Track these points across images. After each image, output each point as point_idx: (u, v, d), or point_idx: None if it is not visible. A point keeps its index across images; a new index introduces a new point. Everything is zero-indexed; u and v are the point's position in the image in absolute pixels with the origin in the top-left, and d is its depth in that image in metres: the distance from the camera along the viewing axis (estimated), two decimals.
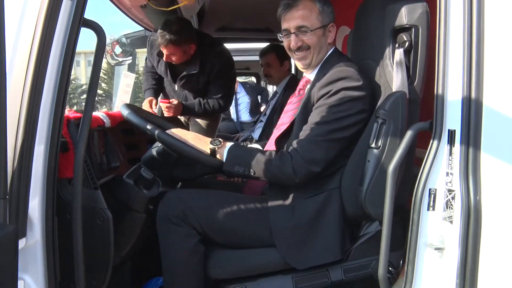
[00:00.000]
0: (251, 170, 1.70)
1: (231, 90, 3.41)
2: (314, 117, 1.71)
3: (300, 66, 1.94)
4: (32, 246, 1.39)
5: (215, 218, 1.73)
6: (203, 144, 1.77)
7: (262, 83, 7.65)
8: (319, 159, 1.68)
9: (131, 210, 1.83)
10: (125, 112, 1.81)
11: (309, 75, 1.93)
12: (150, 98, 3.27)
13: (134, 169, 1.88)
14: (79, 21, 1.38)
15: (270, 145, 1.98)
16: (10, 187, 1.25)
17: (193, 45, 3.01)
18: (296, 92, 2.02)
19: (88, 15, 1.42)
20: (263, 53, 3.77)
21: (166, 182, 1.89)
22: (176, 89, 3.33)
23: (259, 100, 6.92)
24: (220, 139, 1.79)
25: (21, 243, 1.32)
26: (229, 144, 1.76)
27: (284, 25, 1.87)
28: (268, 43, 3.88)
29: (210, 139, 1.79)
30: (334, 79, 1.69)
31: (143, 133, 1.87)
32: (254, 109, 6.53)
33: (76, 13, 1.36)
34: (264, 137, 3.34)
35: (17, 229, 1.26)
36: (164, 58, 3.00)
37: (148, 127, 1.74)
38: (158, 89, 3.45)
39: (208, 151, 1.75)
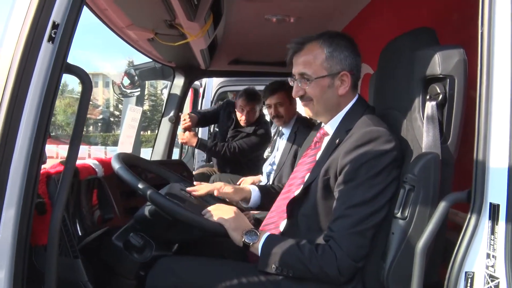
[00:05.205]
0: (289, 271, 1.48)
1: (249, 146, 3.82)
2: (349, 195, 1.45)
3: (307, 113, 1.72)
4: None
5: None
6: (239, 232, 1.56)
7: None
8: (366, 253, 1.45)
9: (119, 276, 1.62)
10: (116, 166, 1.61)
11: (327, 127, 1.70)
12: (195, 116, 3.78)
13: (125, 228, 1.66)
14: (61, 66, 1.20)
15: (280, 209, 1.74)
16: None
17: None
18: (312, 144, 1.78)
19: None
20: (273, 91, 3.23)
21: (160, 244, 1.66)
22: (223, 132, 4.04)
23: None
24: (256, 231, 1.57)
25: None
26: (263, 238, 1.54)
27: (293, 70, 1.67)
28: (278, 78, 3.47)
29: (247, 227, 1.58)
30: (363, 142, 1.45)
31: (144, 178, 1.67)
32: None
33: (58, 57, 1.19)
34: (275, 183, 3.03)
35: None
36: (244, 116, 3.77)
37: (140, 186, 1.53)
38: (203, 121, 4.10)
39: (241, 244, 1.55)
